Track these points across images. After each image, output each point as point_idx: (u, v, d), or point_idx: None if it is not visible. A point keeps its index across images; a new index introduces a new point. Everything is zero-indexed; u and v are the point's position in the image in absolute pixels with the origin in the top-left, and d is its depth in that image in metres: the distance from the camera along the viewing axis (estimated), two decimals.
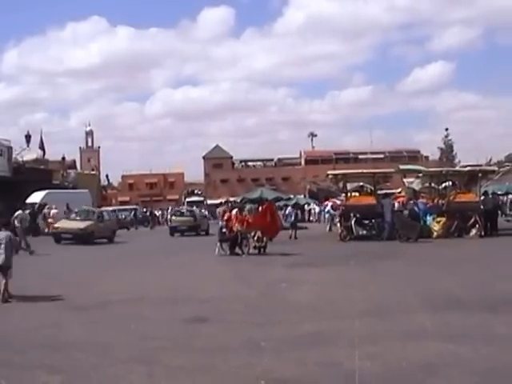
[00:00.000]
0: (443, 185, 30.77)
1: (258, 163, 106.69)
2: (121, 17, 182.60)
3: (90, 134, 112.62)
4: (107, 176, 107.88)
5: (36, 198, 38.88)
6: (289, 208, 34.78)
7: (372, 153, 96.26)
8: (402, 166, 35.96)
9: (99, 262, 19.62)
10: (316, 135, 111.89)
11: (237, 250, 20.66)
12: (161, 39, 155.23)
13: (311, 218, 52.22)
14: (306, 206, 55.12)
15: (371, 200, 27.88)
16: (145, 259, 20.04)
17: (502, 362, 6.28)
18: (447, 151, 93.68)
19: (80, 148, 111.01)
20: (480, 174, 29.63)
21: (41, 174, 51.68)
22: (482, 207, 26.53)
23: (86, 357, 7.06)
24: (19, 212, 24.72)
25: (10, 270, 11.36)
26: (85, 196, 44.53)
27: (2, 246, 11.37)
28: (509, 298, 9.05)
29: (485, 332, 7.64)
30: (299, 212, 40.51)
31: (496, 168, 35.77)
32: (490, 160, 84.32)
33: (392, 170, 33.94)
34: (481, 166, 44.00)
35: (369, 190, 30.65)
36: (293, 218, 32.15)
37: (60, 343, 7.80)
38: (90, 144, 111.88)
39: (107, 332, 8.50)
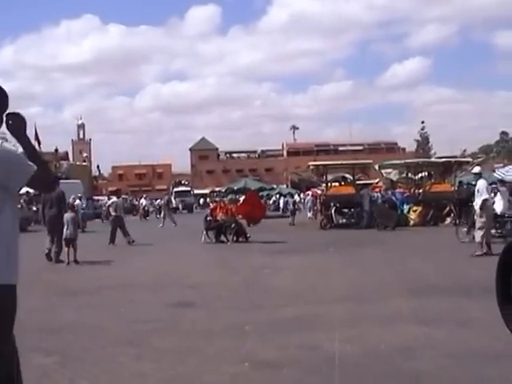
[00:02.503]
0: (419, 175, 30.95)
1: (242, 155, 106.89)
2: (112, 15, 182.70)
3: (81, 126, 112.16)
4: (98, 167, 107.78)
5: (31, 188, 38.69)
6: (278, 198, 35.10)
7: (351, 145, 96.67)
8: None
9: (87, 249, 19.45)
10: (298, 128, 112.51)
11: (222, 237, 20.64)
12: (150, 36, 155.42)
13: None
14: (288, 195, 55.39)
15: (351, 190, 27.97)
16: (132, 247, 19.93)
17: (475, 344, 6.28)
18: (423, 143, 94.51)
19: (72, 140, 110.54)
20: (455, 165, 29.87)
21: None
22: (456, 197, 26.69)
23: (79, 339, 7.03)
24: (114, 199, 22.40)
25: (75, 241, 14.93)
26: (77, 186, 44.29)
27: (69, 223, 14.92)
28: (482, 283, 9.04)
29: (459, 316, 7.65)
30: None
31: (470, 159, 36.01)
32: (465, 152, 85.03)
33: (370, 161, 34.05)
34: (455, 157, 44.24)
35: (348, 181, 30.77)
36: (291, 206, 32.90)
37: (54, 326, 7.75)
38: (81, 136, 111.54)
39: (98, 316, 8.44)
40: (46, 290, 10.99)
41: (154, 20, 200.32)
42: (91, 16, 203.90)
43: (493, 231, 16.31)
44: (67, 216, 15.13)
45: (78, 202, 22.73)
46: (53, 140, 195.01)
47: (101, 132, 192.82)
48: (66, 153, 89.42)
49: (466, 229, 17.49)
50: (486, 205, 14.22)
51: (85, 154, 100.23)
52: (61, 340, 7.02)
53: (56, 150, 63.64)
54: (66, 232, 14.86)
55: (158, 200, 34.99)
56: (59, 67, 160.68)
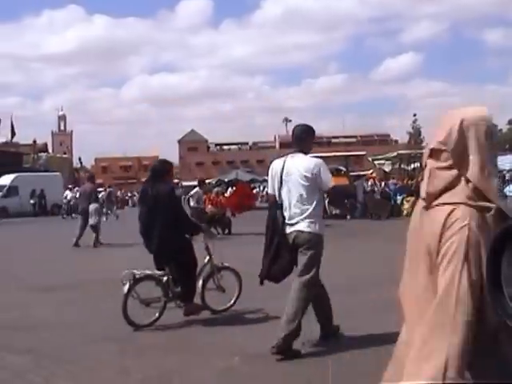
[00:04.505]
0: (412, 166, 31.10)
1: (234, 147, 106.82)
2: (98, 6, 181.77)
3: (62, 118, 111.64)
4: (80, 159, 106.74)
5: (5, 180, 38.49)
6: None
7: (345, 137, 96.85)
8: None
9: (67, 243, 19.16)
10: (291, 120, 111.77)
11: (212, 229, 20.46)
12: (138, 28, 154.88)
13: None
14: None
15: (344, 181, 27.92)
16: (115, 240, 19.61)
17: None
18: (415, 135, 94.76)
19: (52, 132, 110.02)
20: None
21: (11, 157, 51.06)
22: None
23: (56, 337, 6.83)
24: (196, 190, 19.98)
25: (98, 227, 17.91)
26: (56, 179, 43.85)
27: (93, 213, 17.50)
28: None
29: None
30: None
31: None
32: None
33: (364, 152, 34.17)
34: None
35: (342, 172, 30.82)
36: None
37: (28, 324, 7.53)
38: (62, 128, 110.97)
39: (77, 312, 8.23)
40: (19, 285, 10.71)
41: (143, 12, 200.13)
42: (75, 6, 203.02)
43: None
44: (92, 207, 17.57)
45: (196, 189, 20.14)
46: (32, 131, 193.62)
47: (86, 123, 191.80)
48: (46, 144, 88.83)
49: None
50: None
51: (65, 146, 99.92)
52: (36, 338, 6.81)
53: (34, 142, 63.29)
54: (90, 220, 17.48)
55: (102, 193, 31.92)
56: (40, 57, 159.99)
